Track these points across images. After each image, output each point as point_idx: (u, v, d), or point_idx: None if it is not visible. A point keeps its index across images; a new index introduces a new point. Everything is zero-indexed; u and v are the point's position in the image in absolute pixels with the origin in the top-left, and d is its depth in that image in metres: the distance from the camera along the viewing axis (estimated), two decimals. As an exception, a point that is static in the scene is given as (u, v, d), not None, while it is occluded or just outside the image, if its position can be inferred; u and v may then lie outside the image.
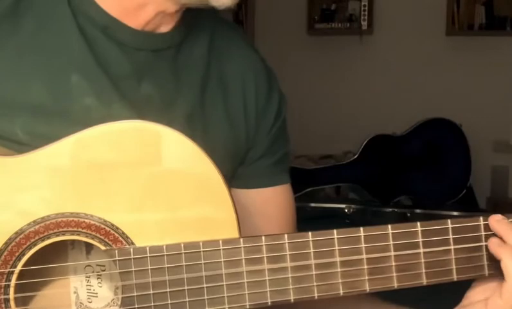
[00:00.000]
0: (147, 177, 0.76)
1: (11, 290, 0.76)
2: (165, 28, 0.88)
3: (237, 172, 0.97)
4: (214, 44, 0.94)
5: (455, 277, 0.79)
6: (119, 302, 0.83)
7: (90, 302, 0.84)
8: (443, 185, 3.57)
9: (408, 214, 3.39)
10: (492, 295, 0.79)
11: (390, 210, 3.46)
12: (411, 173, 3.58)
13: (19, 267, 0.75)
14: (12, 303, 0.76)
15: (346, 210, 3.42)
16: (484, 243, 0.80)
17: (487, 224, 0.80)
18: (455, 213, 3.35)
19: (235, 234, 0.78)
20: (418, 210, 3.42)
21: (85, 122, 0.78)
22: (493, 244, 0.78)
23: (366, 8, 3.97)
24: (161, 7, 0.84)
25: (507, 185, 3.83)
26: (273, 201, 1.00)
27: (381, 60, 4.00)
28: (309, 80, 4.05)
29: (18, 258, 0.75)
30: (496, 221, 0.79)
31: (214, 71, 0.93)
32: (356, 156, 3.62)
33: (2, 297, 0.76)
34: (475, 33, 3.85)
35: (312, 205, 3.42)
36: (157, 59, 0.87)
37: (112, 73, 0.84)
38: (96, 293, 0.84)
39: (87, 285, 0.84)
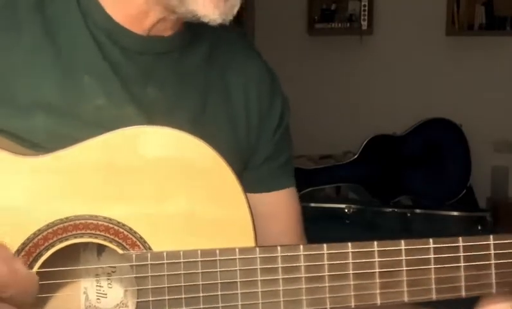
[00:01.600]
0: (165, 181, 0.76)
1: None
2: (169, 32, 0.89)
3: (242, 177, 0.97)
4: (217, 49, 0.95)
5: (463, 294, 0.80)
6: (128, 304, 0.83)
7: (99, 303, 0.84)
8: (443, 185, 3.57)
9: (408, 214, 3.40)
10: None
11: (390, 210, 3.46)
12: (412, 173, 3.59)
13: (36, 268, 0.75)
14: (27, 304, 0.76)
15: (346, 210, 3.42)
16: (493, 261, 0.80)
17: (497, 243, 0.80)
18: (455, 213, 3.36)
19: (249, 233, 0.79)
20: (418, 210, 3.42)
21: (97, 123, 0.79)
22: None
23: (366, 8, 3.98)
24: (162, 15, 0.85)
25: (507, 185, 3.84)
26: (278, 204, 1.00)
27: (381, 60, 4.00)
28: (309, 80, 4.06)
29: (35, 259, 0.75)
30: None
31: (216, 76, 0.94)
32: (356, 156, 3.62)
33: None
34: (475, 33, 3.86)
35: (312, 205, 3.42)
36: (159, 62, 0.88)
37: (121, 75, 0.85)
38: (106, 294, 0.84)
39: (97, 286, 0.84)
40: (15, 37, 0.82)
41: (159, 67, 0.88)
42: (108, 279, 0.84)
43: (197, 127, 0.86)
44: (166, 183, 0.77)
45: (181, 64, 0.90)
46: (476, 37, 3.86)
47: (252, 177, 0.97)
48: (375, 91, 4.01)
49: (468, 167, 3.58)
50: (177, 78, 0.89)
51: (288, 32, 4.10)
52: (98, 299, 0.84)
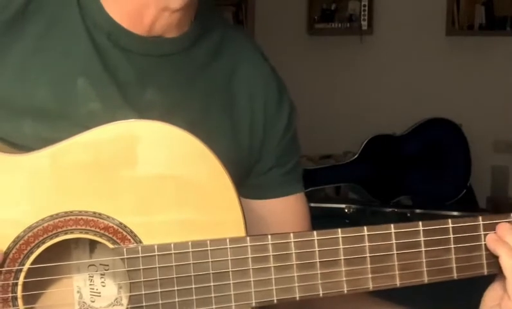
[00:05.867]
0: (155, 178, 0.76)
1: (19, 288, 0.76)
2: (172, 34, 0.88)
3: (250, 183, 0.96)
4: (223, 53, 0.94)
5: (455, 276, 0.81)
6: (122, 301, 0.83)
7: (93, 302, 0.84)
8: (443, 185, 3.57)
9: (408, 214, 3.39)
10: (503, 298, 0.80)
11: (390, 210, 3.44)
12: (411, 173, 3.58)
13: (27, 265, 0.76)
14: (20, 301, 0.76)
15: (346, 210, 3.41)
16: (483, 242, 0.81)
17: (487, 224, 0.81)
18: (455, 213, 3.34)
19: (241, 234, 0.79)
20: (418, 210, 3.41)
21: (89, 127, 0.78)
22: (491, 240, 0.80)
23: (366, 8, 3.98)
24: (162, 3, 0.84)
25: (507, 185, 3.84)
26: (287, 211, 1.00)
27: (381, 60, 4.00)
28: (309, 80, 4.05)
29: (27, 256, 0.75)
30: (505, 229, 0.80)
31: (221, 80, 0.93)
32: (356, 156, 3.61)
33: (10, 295, 0.76)
34: (475, 33, 3.86)
35: (312, 205, 3.37)
36: (162, 65, 0.87)
37: (118, 78, 0.84)
38: (99, 293, 0.84)
39: (90, 285, 0.84)
40: (12, 38, 0.82)
41: (161, 70, 0.87)
42: (101, 278, 0.84)
43: (196, 129, 0.85)
44: (155, 178, 0.77)
45: (184, 66, 0.89)
46: (476, 37, 3.86)
47: (260, 183, 0.97)
48: (375, 91, 4.01)
49: (468, 166, 3.58)
50: (179, 81, 0.88)
51: (288, 32, 4.10)
52: (92, 298, 0.84)
